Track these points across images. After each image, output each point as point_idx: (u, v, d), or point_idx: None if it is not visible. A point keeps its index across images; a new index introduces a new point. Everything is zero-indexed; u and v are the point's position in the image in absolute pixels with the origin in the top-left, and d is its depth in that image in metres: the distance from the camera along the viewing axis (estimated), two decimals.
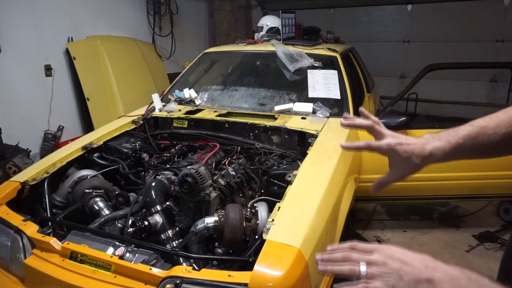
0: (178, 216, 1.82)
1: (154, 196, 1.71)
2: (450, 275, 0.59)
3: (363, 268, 0.64)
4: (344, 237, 1.92)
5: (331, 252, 0.68)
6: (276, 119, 2.42)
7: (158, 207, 1.68)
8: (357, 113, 2.89)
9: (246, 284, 1.19)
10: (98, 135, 2.32)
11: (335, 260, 0.67)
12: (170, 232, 1.63)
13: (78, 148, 2.16)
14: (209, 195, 1.73)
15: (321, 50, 3.03)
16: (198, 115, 2.53)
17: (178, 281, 1.25)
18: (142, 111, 2.74)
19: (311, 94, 2.66)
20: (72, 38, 4.26)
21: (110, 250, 1.47)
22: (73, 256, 1.44)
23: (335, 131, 2.25)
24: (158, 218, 1.65)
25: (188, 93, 2.88)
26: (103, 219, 1.69)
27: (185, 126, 2.51)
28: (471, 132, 0.84)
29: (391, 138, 0.85)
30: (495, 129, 0.83)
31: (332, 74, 2.73)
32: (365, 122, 0.87)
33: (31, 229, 1.56)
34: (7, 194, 1.76)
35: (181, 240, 1.61)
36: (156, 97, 2.81)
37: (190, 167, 1.76)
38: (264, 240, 1.33)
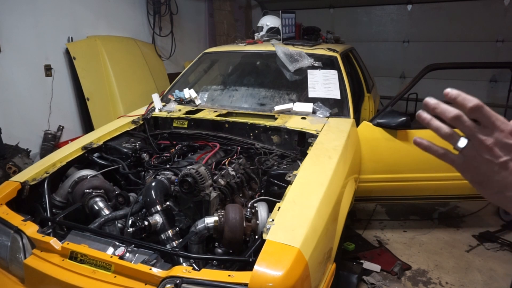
0: (178, 216, 1.82)
1: (154, 196, 1.71)
2: None
3: (462, 143, 0.52)
4: (344, 237, 1.92)
5: (448, 98, 0.51)
6: (276, 119, 2.42)
7: (158, 207, 1.68)
8: (357, 113, 2.87)
9: (246, 284, 1.20)
10: (98, 135, 2.32)
11: (442, 112, 0.51)
12: (170, 232, 1.63)
13: (78, 148, 2.17)
14: (209, 195, 1.73)
15: (321, 50, 3.02)
16: (198, 115, 2.53)
17: (178, 281, 1.25)
18: (142, 111, 2.74)
19: (311, 94, 2.66)
20: (72, 38, 4.26)
21: (110, 250, 1.47)
22: (73, 256, 1.44)
23: (335, 131, 2.25)
24: (158, 218, 1.65)
25: (188, 93, 2.88)
26: (103, 219, 1.69)
27: (185, 126, 2.51)
28: None
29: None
30: None
31: (332, 74, 2.73)
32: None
33: (31, 229, 1.57)
34: (7, 194, 1.76)
35: (181, 240, 1.61)
36: (156, 97, 2.81)
37: (190, 167, 1.76)
38: (264, 240, 1.33)
